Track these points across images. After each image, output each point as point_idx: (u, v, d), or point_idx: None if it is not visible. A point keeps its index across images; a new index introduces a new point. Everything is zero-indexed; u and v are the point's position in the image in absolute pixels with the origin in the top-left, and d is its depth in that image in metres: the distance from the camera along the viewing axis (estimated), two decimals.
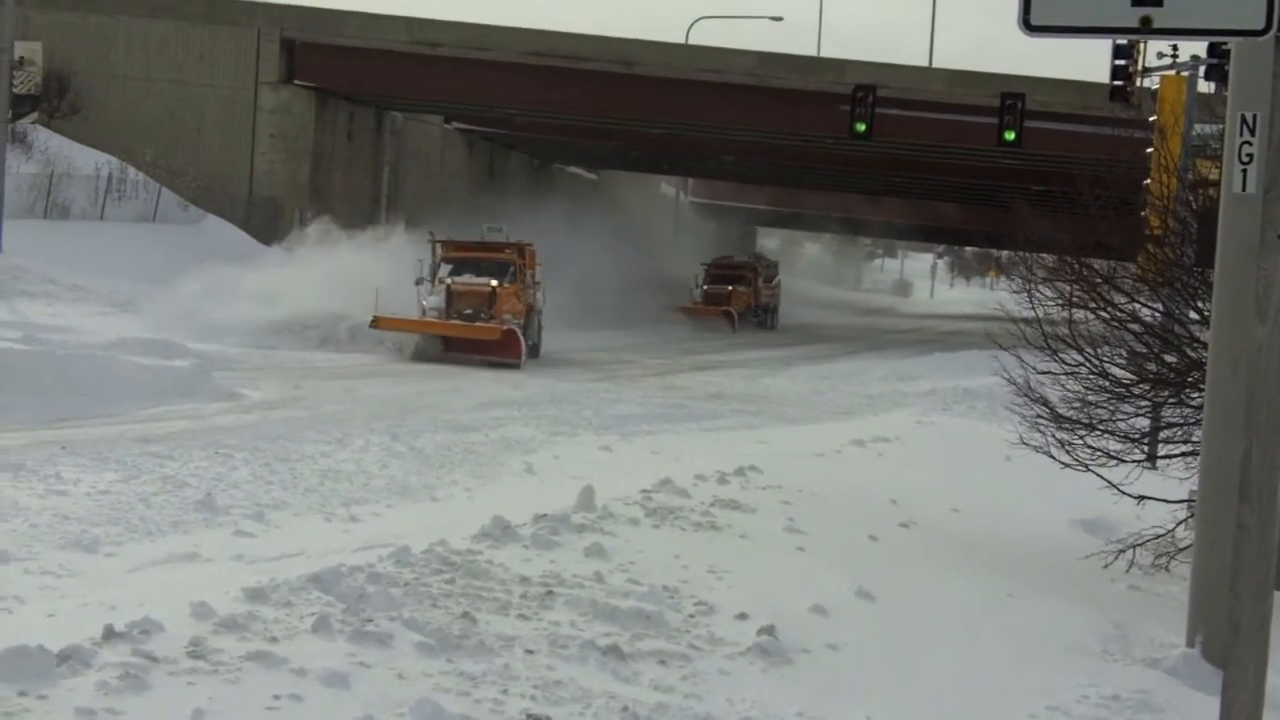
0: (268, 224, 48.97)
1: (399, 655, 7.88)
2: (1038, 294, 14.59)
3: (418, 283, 37.53)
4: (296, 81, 53.02)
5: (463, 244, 40.24)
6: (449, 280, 37.74)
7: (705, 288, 64.00)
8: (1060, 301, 14.57)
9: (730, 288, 63.91)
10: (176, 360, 26.35)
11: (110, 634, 7.54)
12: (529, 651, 8.27)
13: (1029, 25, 6.20)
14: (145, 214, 47.53)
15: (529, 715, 7.31)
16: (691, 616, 9.47)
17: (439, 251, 39.36)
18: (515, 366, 35.31)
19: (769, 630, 9.03)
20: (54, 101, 50.89)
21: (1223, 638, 6.15)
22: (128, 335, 29.63)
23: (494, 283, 37.75)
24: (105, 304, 37.96)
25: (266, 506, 14.38)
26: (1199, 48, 31.61)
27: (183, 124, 51.31)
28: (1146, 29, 6.09)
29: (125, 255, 39.44)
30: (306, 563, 10.15)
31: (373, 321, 35.52)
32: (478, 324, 36.63)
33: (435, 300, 37.43)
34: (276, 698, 7.02)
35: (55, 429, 19.21)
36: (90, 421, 20.30)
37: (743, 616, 9.42)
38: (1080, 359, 13.89)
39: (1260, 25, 5.96)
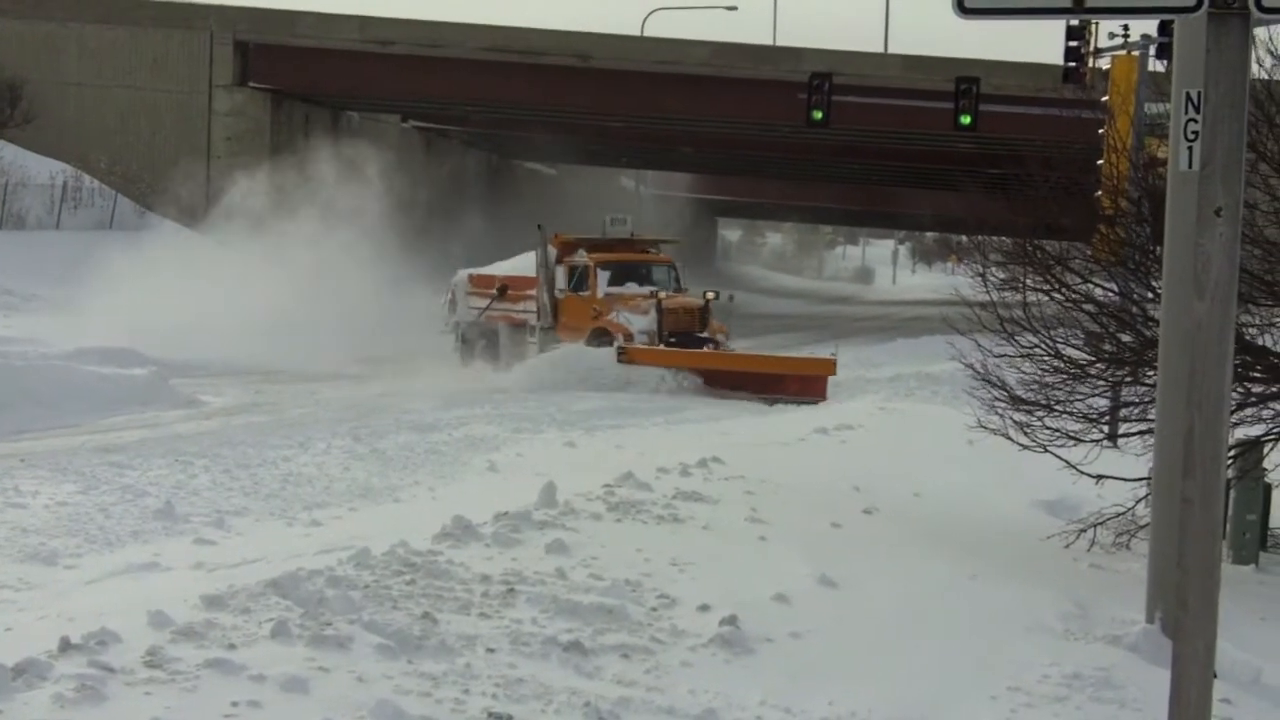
0: None
1: (359, 658, 7.86)
2: (992, 277, 14.62)
3: (558, 292, 33.48)
4: (251, 83, 52.90)
5: (606, 243, 34.90)
6: (657, 294, 32.69)
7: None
8: (1014, 284, 14.59)
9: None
10: (135, 369, 26.23)
11: (66, 646, 7.51)
12: (490, 650, 8.26)
13: (963, 9, 6.20)
14: (102, 221, 47.33)
15: (491, 714, 7.29)
16: (654, 610, 9.47)
17: (584, 257, 34.05)
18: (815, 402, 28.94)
19: (731, 621, 9.04)
20: (6, 111, 50.60)
21: (1174, 613, 6.18)
22: (85, 345, 29.46)
23: (709, 295, 33.11)
24: (62, 313, 37.74)
25: (227, 513, 14.31)
26: (1150, 27, 31.73)
27: (137, 130, 51.13)
28: (1079, 9, 6.11)
29: (82, 264, 39.16)
30: (267, 568, 10.13)
31: (621, 354, 30.96)
32: (803, 357, 32.90)
33: (644, 322, 32.22)
34: (235, 705, 7.00)
35: (13, 441, 19.12)
36: (49, 433, 20.20)
37: (705, 608, 9.43)
38: (1035, 341, 13.92)
39: (1192, 3, 5.98)
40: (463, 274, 38.10)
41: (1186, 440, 5.91)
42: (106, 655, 7.45)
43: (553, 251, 34.09)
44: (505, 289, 35.77)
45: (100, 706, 6.81)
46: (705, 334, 32.46)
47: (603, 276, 33.65)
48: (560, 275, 34.00)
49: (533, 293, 34.64)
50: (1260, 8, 5.97)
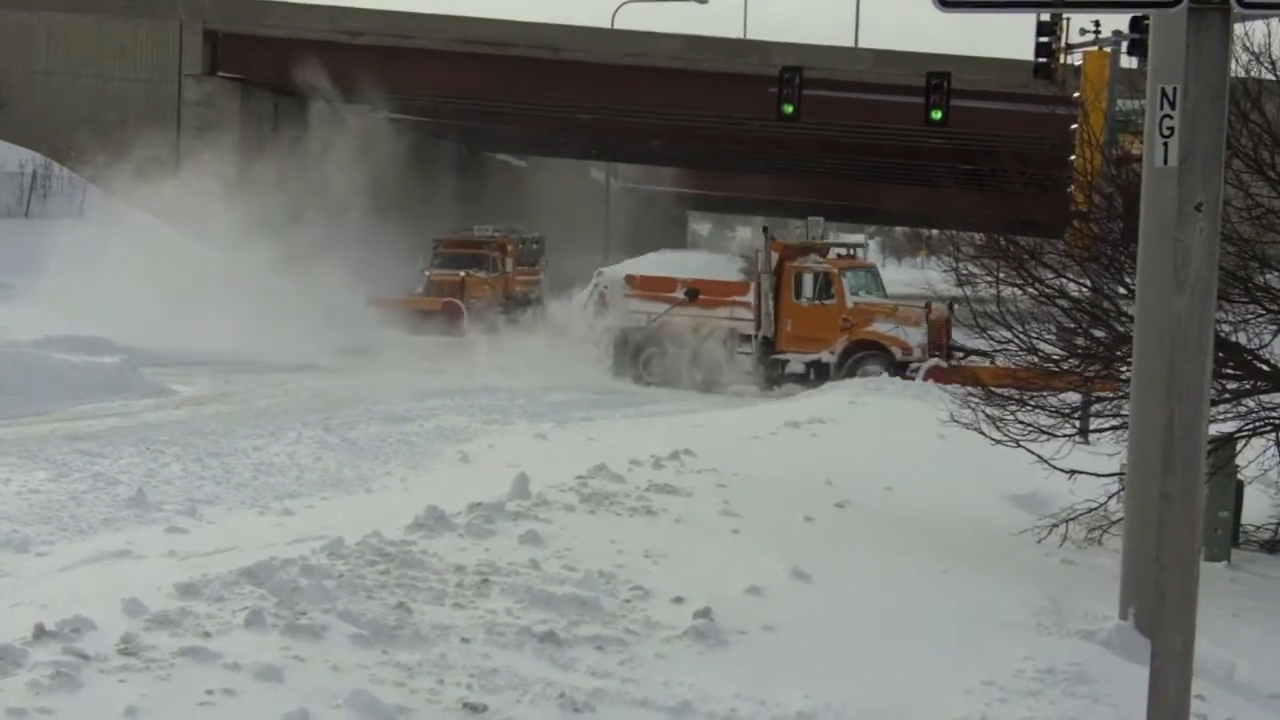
0: None
1: (333, 647, 7.84)
2: (965, 272, 14.65)
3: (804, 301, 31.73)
4: (220, 73, 52.61)
5: (806, 247, 33.54)
6: (929, 304, 30.49)
7: (430, 273, 47.25)
8: (988, 279, 14.64)
9: (463, 273, 46.79)
10: (105, 357, 26.13)
11: (41, 633, 7.48)
12: (465, 640, 8.25)
13: (943, 2, 6.20)
14: (71, 210, 47.00)
15: (465, 704, 7.29)
16: (628, 601, 9.47)
17: (821, 263, 32.35)
18: None
19: (705, 613, 9.04)
20: None
21: (1152, 609, 6.19)
22: (55, 333, 29.29)
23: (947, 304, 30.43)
24: (32, 301, 37.50)
25: (199, 502, 14.28)
26: (1121, 22, 31.92)
27: (106, 119, 50.80)
28: (1059, 2, 6.14)
29: (52, 252, 38.91)
30: (240, 557, 10.08)
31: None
32: None
33: (919, 334, 30.74)
34: (210, 693, 6.98)
35: None
36: (19, 420, 20.10)
37: (679, 600, 9.42)
38: (1009, 335, 13.96)
39: None
40: (613, 272, 36.11)
41: (1165, 435, 5.93)
42: (81, 642, 7.42)
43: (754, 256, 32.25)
44: (696, 293, 33.33)
45: (75, 693, 6.79)
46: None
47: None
48: (782, 282, 32.08)
49: (740, 298, 32.69)
50: (1241, 3, 5.98)
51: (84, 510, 13.63)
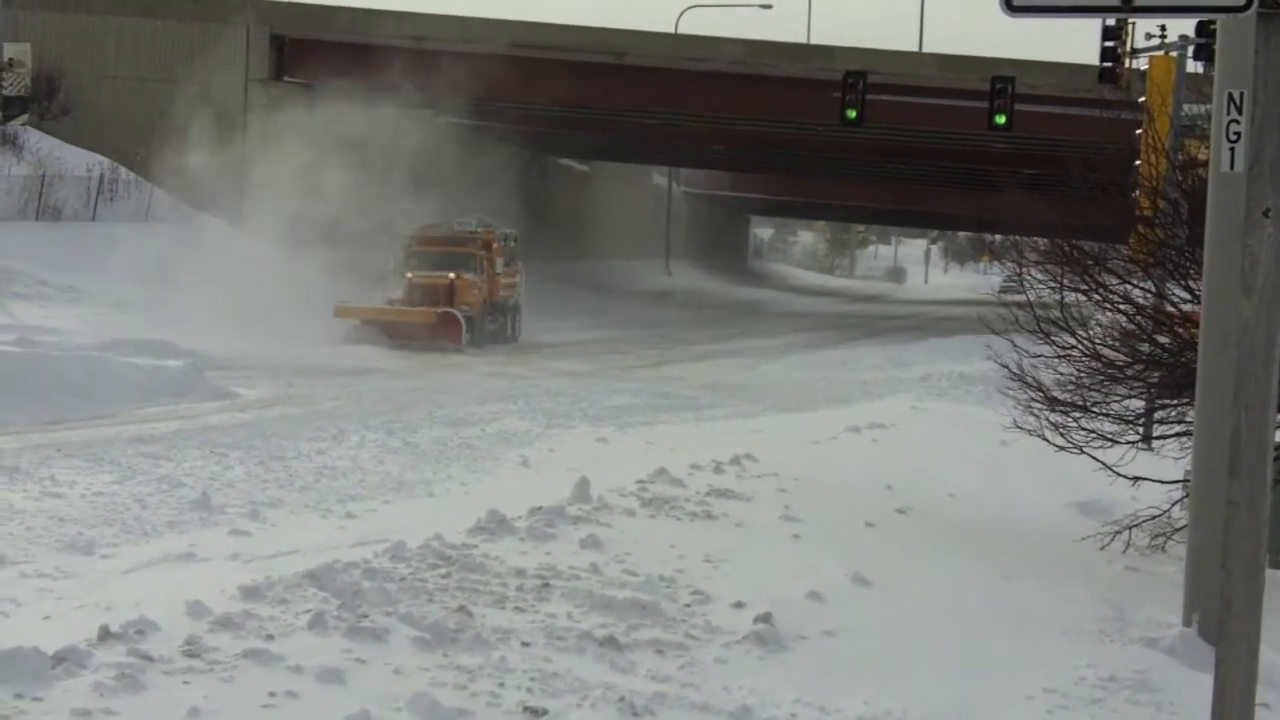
0: None
1: (395, 650, 7.88)
2: (1029, 277, 14.58)
3: None
4: (286, 78, 52.98)
5: None
6: None
7: (412, 275, 40.90)
8: (1052, 284, 14.56)
9: (453, 275, 40.99)
10: (170, 360, 26.34)
11: (106, 634, 7.55)
12: (525, 644, 8.27)
13: (1011, 7, 6.18)
14: (138, 214, 47.42)
15: (526, 707, 7.30)
16: (688, 606, 9.47)
17: None
18: None
19: (765, 618, 9.03)
20: (44, 103, 50.74)
21: (1217, 615, 6.14)
22: (121, 336, 29.58)
23: None
24: (98, 305, 37.89)
25: (262, 505, 14.36)
26: (1187, 27, 31.68)
27: (172, 123, 51.22)
28: (1128, 7, 6.09)
29: (118, 256, 39.29)
30: (302, 560, 10.15)
31: None
32: None
33: None
34: (272, 695, 7.03)
35: (50, 431, 19.19)
36: (85, 423, 20.27)
37: (739, 605, 9.42)
38: (1073, 341, 13.87)
39: (1241, 2, 5.95)
40: None
41: (1233, 441, 5.89)
42: (145, 644, 7.48)
43: None
44: None
45: (139, 695, 6.85)
46: None
47: None
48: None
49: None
50: None
51: (148, 513, 13.72)
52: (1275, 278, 5.93)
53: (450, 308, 39.35)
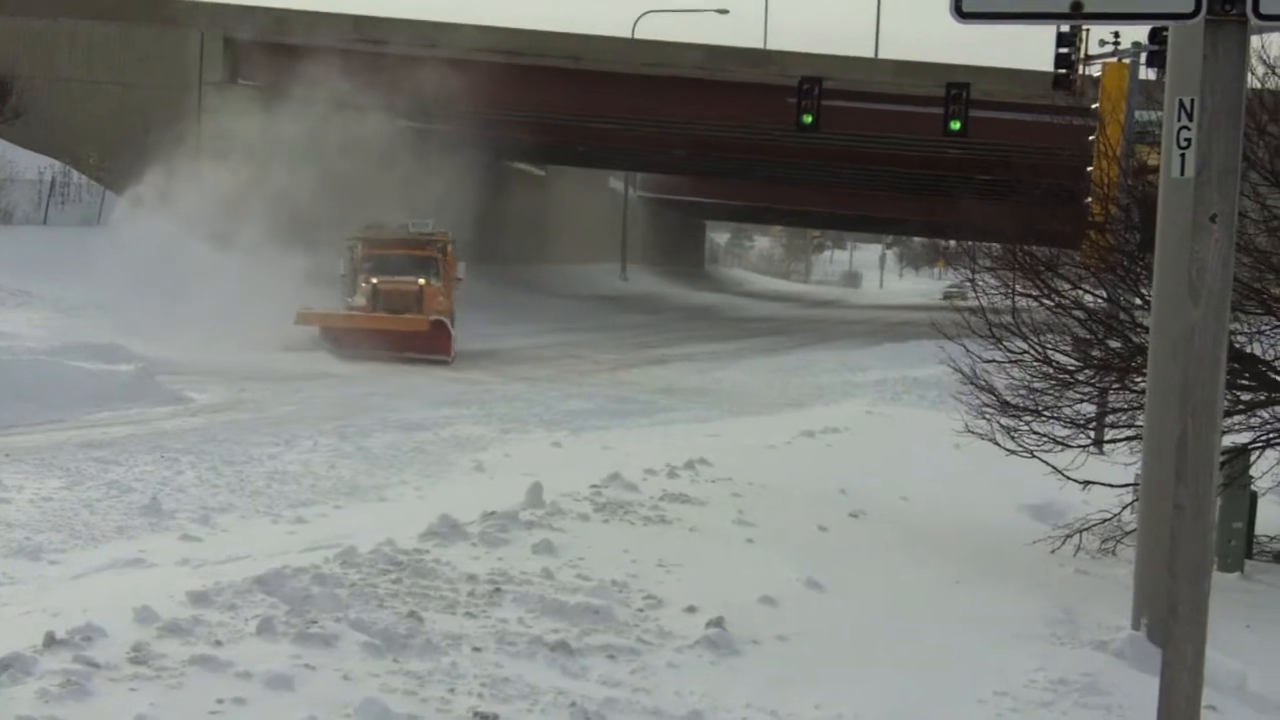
0: None
1: (344, 656, 7.83)
2: (981, 282, 14.63)
3: None
4: (241, 81, 52.76)
5: None
6: None
7: (377, 280, 38.47)
8: (1004, 290, 14.62)
9: (421, 281, 38.87)
10: (121, 365, 26.17)
11: (51, 641, 7.47)
12: (476, 649, 8.24)
13: (961, 12, 6.19)
14: (90, 218, 47.14)
15: (477, 713, 7.27)
16: (640, 610, 9.46)
17: None
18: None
19: (718, 622, 9.03)
20: None
21: (1164, 619, 6.17)
22: (72, 340, 29.40)
23: None
24: (50, 309, 37.65)
25: (213, 510, 14.28)
26: (1140, 34, 31.82)
27: (127, 126, 50.94)
28: (1078, 14, 6.10)
29: (69, 260, 39.07)
30: (252, 565, 10.09)
31: None
32: None
33: None
34: (220, 702, 6.97)
35: None
36: (33, 428, 20.13)
37: (691, 609, 9.41)
38: (1024, 346, 13.93)
39: (1189, 9, 5.98)
40: None
41: (1180, 446, 5.90)
42: (92, 651, 7.42)
43: None
44: None
45: (85, 702, 6.78)
46: None
47: None
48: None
49: None
50: (1259, 14, 5.96)
51: (97, 518, 13.63)
52: (1221, 284, 5.95)
53: (429, 315, 37.13)
